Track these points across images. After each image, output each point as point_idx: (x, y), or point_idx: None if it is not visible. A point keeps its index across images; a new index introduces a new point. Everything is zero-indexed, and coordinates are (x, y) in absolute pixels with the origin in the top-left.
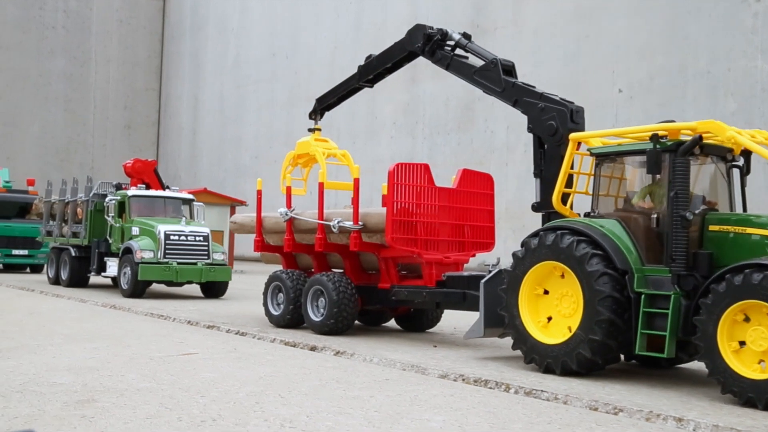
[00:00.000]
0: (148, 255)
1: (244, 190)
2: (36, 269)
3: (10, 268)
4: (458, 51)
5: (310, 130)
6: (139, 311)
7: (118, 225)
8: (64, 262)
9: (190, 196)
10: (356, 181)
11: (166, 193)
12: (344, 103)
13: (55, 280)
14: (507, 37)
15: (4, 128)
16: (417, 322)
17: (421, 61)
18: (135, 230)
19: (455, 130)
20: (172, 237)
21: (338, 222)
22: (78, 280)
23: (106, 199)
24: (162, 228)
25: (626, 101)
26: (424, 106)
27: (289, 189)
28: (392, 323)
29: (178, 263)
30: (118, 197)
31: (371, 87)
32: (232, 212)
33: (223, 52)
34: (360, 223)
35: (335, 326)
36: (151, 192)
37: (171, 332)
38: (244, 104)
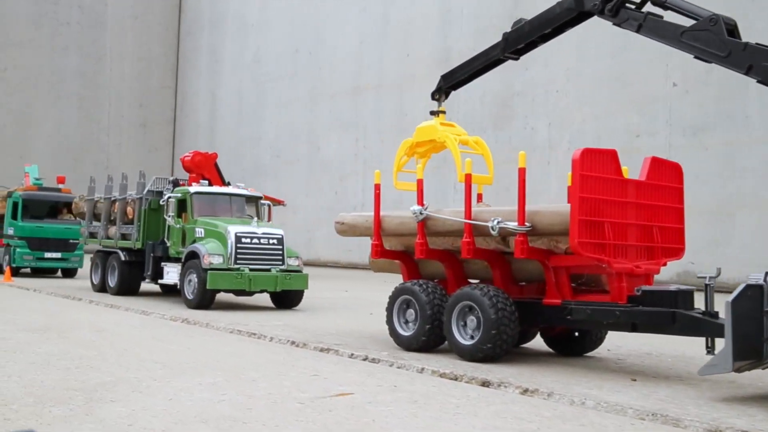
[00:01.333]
0: (217, 260)
1: (264, 189)
2: (69, 273)
3: (39, 272)
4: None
5: (432, 112)
6: (220, 327)
7: (178, 226)
8: (112, 267)
9: (258, 194)
10: (468, 178)
11: (232, 189)
12: (370, 100)
13: (101, 287)
14: None
15: (17, 126)
16: (576, 344)
17: (455, 55)
18: (199, 231)
19: (491, 127)
20: (243, 240)
21: (498, 222)
22: (128, 288)
23: (165, 197)
24: (232, 229)
25: (681, 95)
26: (458, 102)
27: (420, 183)
28: (535, 344)
29: (251, 270)
30: (179, 194)
31: (517, 59)
32: (270, 213)
33: (242, 48)
34: (527, 223)
35: (492, 352)
36: (216, 188)
37: (289, 359)
38: (264, 101)
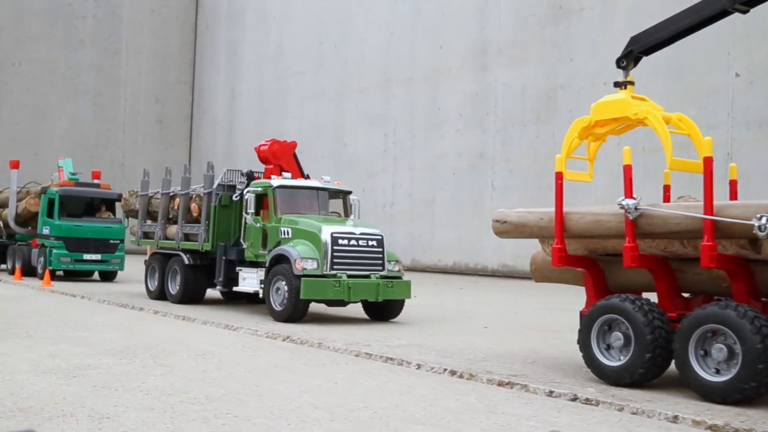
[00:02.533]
0: (311, 266)
1: None
2: (107, 276)
3: (72, 275)
4: None
5: (618, 84)
6: (339, 348)
7: (258, 225)
8: (173, 271)
9: (347, 188)
10: (709, 161)
11: (319, 183)
12: (400, 94)
13: (159, 294)
14: (596, 19)
15: (31, 122)
16: None
17: (493, 48)
18: (285, 231)
19: (533, 121)
20: (340, 241)
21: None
22: (192, 296)
23: (238, 192)
24: (327, 229)
25: (745, 86)
26: (496, 96)
27: (628, 170)
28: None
29: (348, 276)
30: (259, 188)
31: (746, 11)
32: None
33: (263, 42)
34: None
35: (756, 392)
36: (301, 182)
37: (489, 402)
38: (286, 97)
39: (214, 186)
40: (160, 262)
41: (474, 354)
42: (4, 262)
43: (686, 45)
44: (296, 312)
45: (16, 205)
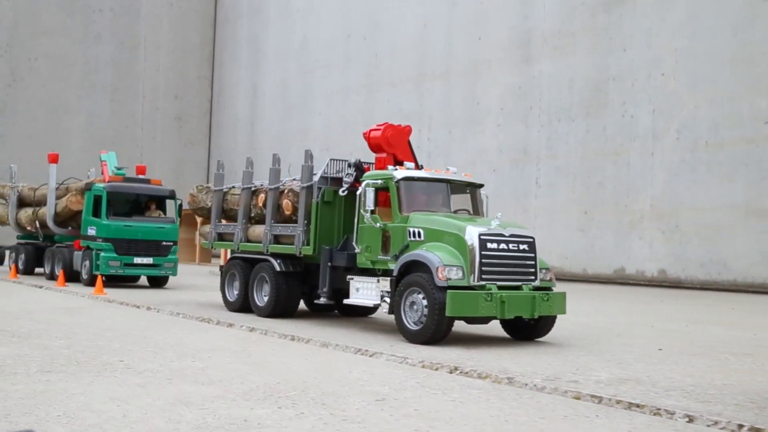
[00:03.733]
0: (456, 275)
1: None
2: (157, 282)
3: (115, 279)
4: None
5: None
6: (542, 387)
7: (378, 225)
8: (260, 279)
9: (479, 181)
10: None
11: (448, 174)
12: (436, 89)
13: (241, 306)
14: (652, 5)
15: (48, 118)
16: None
17: (537, 39)
18: (415, 233)
19: (582, 115)
20: (489, 245)
21: None
22: (285, 308)
23: (362, 185)
24: (473, 230)
25: None
26: (541, 88)
27: None
28: None
29: (499, 288)
30: (379, 181)
31: None
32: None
33: (286, 36)
34: None
35: None
36: (428, 173)
37: None
38: (312, 92)
39: (316, 178)
40: (242, 269)
41: (716, 392)
42: (40, 266)
43: (755, 29)
44: (439, 332)
45: (55, 203)
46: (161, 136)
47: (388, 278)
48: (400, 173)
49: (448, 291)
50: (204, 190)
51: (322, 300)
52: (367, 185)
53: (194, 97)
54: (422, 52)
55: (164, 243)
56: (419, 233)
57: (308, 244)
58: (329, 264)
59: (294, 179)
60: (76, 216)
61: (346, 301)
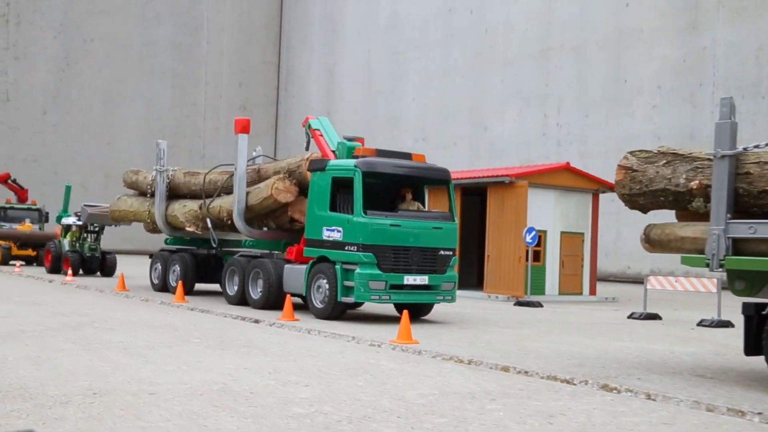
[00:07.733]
0: None
1: None
2: (419, 311)
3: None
4: None
5: None
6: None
7: None
8: None
9: None
10: None
11: None
12: (567, 65)
13: None
14: None
15: (104, 105)
16: None
17: (709, 1)
18: None
19: None
20: None
21: None
22: None
23: None
24: None
25: None
26: (715, 60)
27: None
28: None
29: None
30: None
31: None
32: (595, 203)
33: (370, 13)
34: None
35: None
36: None
37: None
38: (404, 74)
39: None
40: None
41: None
42: (201, 281)
43: None
44: None
45: (246, 191)
46: (225, 127)
47: None
48: None
49: None
50: None
51: None
52: None
53: (260, 84)
54: (547, 22)
55: (442, 252)
56: None
57: None
58: None
59: None
60: (276, 211)
61: None
